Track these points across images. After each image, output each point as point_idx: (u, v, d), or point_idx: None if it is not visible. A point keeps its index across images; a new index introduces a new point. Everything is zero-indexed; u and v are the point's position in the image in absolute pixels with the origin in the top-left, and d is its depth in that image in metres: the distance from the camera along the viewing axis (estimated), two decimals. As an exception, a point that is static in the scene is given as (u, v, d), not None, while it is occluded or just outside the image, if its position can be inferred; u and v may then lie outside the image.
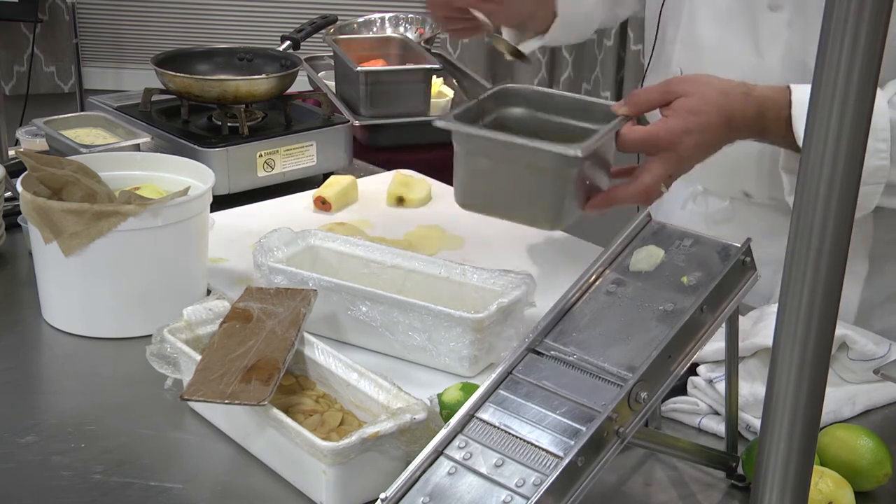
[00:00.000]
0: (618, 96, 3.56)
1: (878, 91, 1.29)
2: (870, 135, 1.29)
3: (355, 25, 3.04)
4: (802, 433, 0.77)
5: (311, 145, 1.85)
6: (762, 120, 1.28)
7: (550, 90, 1.42)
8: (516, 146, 1.21)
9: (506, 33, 1.61)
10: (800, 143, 1.25)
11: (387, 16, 3.09)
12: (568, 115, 1.36)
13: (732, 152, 1.36)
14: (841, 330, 1.19)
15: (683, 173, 1.29)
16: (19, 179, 1.36)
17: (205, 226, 1.41)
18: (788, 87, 1.31)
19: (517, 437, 0.91)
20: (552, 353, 0.97)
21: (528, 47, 1.61)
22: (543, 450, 0.89)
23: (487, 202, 1.26)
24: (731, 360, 1.05)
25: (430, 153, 2.31)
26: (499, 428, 0.92)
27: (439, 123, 1.27)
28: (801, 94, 1.30)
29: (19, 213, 1.48)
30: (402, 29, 3.04)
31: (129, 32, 5.44)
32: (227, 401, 1.07)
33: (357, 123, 2.44)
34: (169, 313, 1.24)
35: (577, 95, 1.40)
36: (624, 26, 4.85)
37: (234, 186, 1.77)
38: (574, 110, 1.36)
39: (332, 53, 2.74)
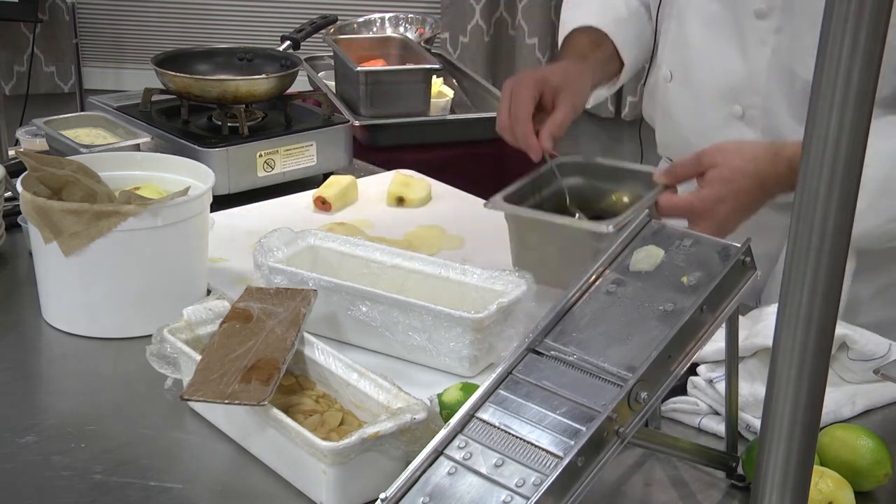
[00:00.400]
0: (618, 99, 3.58)
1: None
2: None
3: (355, 25, 3.04)
4: (802, 433, 0.77)
5: (311, 145, 1.85)
6: (795, 175, 1.31)
7: (599, 160, 1.52)
8: (555, 225, 1.37)
9: None
10: None
11: (387, 16, 3.09)
12: (617, 181, 1.49)
13: None
14: (841, 330, 1.19)
15: (716, 234, 1.34)
16: (19, 179, 1.36)
17: (205, 226, 1.41)
18: None
19: (517, 437, 0.91)
20: (552, 353, 0.97)
21: (599, 97, 1.71)
22: (543, 450, 0.89)
23: (537, 270, 1.33)
24: (731, 360, 1.05)
25: (430, 153, 2.32)
26: (499, 428, 0.92)
27: (488, 206, 1.42)
28: None
29: (19, 213, 1.48)
30: (402, 29, 3.04)
31: (129, 32, 5.43)
32: (227, 401, 1.07)
33: (357, 123, 2.44)
34: (169, 313, 1.24)
35: (623, 164, 1.53)
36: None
37: (234, 186, 1.77)
38: (623, 177, 1.49)
39: (332, 53, 2.75)
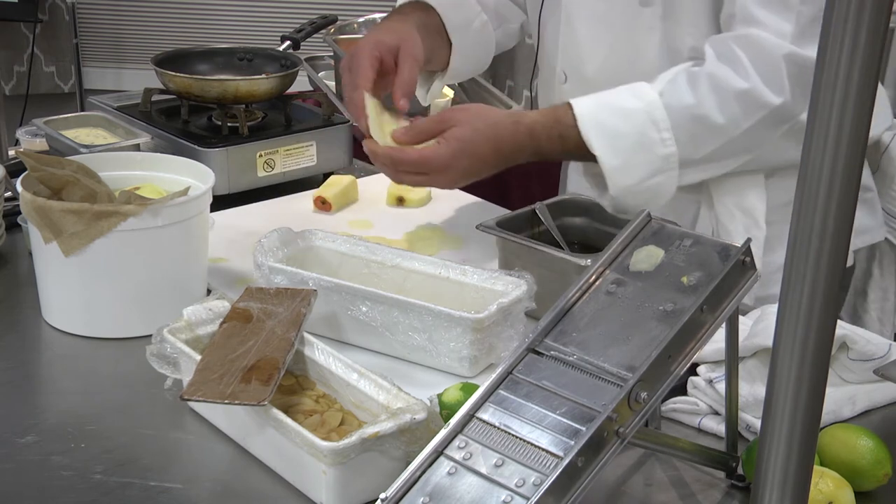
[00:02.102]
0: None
1: (646, 85, 1.42)
2: (651, 128, 1.39)
3: (355, 25, 3.03)
4: (802, 433, 0.77)
5: (311, 145, 1.85)
6: (535, 143, 1.41)
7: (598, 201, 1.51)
8: (536, 252, 1.39)
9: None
10: (594, 151, 1.39)
11: (387, 16, 3.09)
12: (618, 224, 1.47)
13: None
14: (841, 330, 1.19)
15: (445, 187, 1.46)
16: (19, 179, 1.36)
17: (205, 226, 1.41)
18: (567, 104, 1.42)
19: (517, 437, 0.91)
20: (552, 353, 0.97)
21: (433, 93, 1.71)
22: (543, 450, 0.89)
23: None
24: (731, 360, 1.05)
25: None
26: (499, 428, 0.92)
27: (480, 228, 1.44)
28: (583, 108, 1.41)
29: (19, 213, 1.48)
30: (402, 29, 3.04)
31: (129, 32, 5.43)
32: (227, 401, 1.07)
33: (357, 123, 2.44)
34: (169, 313, 1.24)
35: None
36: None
37: (234, 186, 1.77)
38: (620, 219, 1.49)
39: (332, 53, 2.74)
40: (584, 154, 1.41)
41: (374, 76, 1.47)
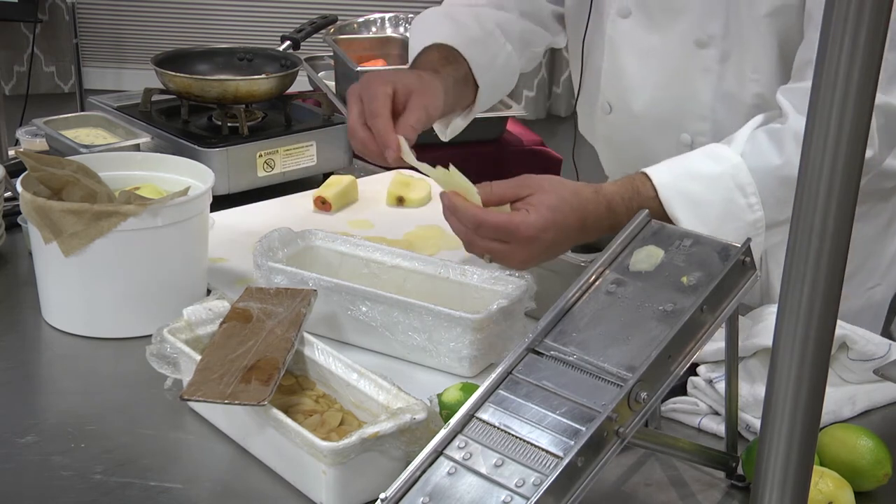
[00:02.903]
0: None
1: (727, 147, 1.33)
2: (738, 193, 1.31)
3: (355, 25, 3.04)
4: (802, 433, 0.77)
5: (311, 145, 1.85)
6: (614, 216, 1.30)
7: None
8: None
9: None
10: (678, 222, 1.29)
11: (387, 16, 3.09)
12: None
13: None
14: (841, 330, 1.19)
15: (515, 264, 1.29)
16: (19, 179, 1.36)
17: (205, 226, 1.41)
18: (641, 174, 1.33)
19: (517, 437, 0.91)
20: (552, 353, 0.97)
21: (457, 127, 1.62)
22: (543, 450, 0.89)
23: None
24: (731, 360, 1.05)
25: (429, 153, 2.31)
26: (499, 428, 0.92)
27: (443, 197, 1.35)
28: (662, 177, 1.31)
29: (19, 213, 1.48)
30: (402, 29, 3.04)
31: (129, 32, 5.44)
32: (227, 401, 1.07)
33: (357, 123, 2.44)
34: (169, 313, 1.24)
35: None
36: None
37: (234, 186, 1.77)
38: None
39: (332, 53, 2.75)
40: None
41: (390, 105, 1.36)
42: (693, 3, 1.45)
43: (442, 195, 1.28)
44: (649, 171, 1.32)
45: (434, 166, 1.29)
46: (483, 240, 1.26)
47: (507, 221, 1.25)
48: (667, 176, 1.32)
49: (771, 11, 1.39)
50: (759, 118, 1.38)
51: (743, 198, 1.31)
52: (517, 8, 1.65)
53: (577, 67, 1.66)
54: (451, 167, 1.27)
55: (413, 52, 1.58)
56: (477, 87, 1.57)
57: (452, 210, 1.27)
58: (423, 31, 1.60)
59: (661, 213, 1.29)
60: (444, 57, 1.53)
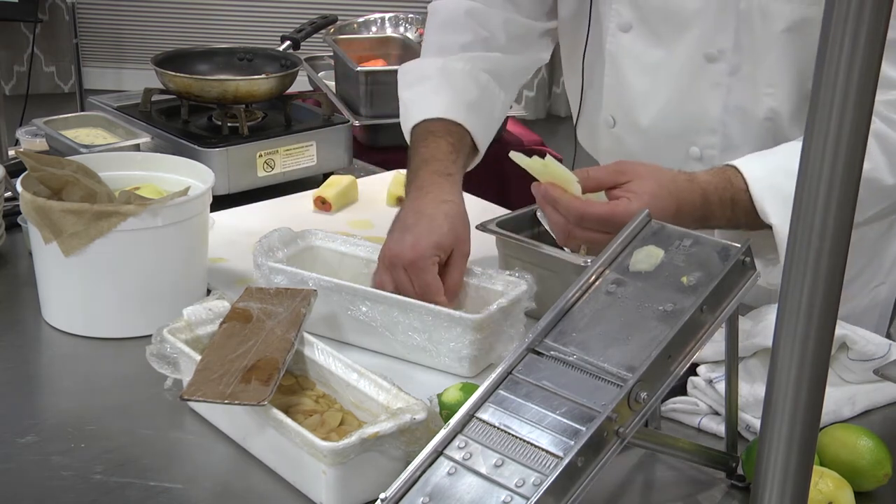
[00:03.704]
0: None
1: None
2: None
3: (355, 25, 3.04)
4: (802, 433, 0.77)
5: (311, 145, 1.85)
6: (707, 206, 1.29)
7: None
8: (535, 252, 1.37)
9: None
10: (769, 218, 1.27)
11: (387, 16, 3.09)
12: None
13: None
14: (841, 330, 1.19)
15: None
16: (19, 179, 1.36)
17: (205, 226, 1.41)
18: (731, 166, 1.31)
19: (517, 437, 0.91)
20: (552, 353, 0.97)
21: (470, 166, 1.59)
22: (543, 450, 0.89)
23: None
24: (731, 360, 1.05)
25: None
26: (499, 428, 0.92)
27: (480, 228, 1.42)
28: (754, 171, 1.30)
29: (19, 213, 1.48)
30: (402, 29, 3.04)
31: (129, 32, 5.44)
32: (227, 401, 1.07)
33: (357, 123, 2.44)
34: (169, 313, 1.24)
35: None
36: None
37: (234, 186, 1.77)
38: None
39: (332, 53, 2.75)
40: (753, 221, 1.29)
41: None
42: (700, 17, 1.43)
43: (536, 187, 1.26)
44: (739, 163, 1.31)
45: (530, 156, 1.27)
46: (585, 231, 1.24)
47: (610, 212, 1.23)
48: (759, 170, 1.30)
49: (789, 27, 1.37)
50: None
51: None
52: (505, 33, 1.60)
53: (577, 81, 1.63)
54: (549, 157, 1.27)
55: (410, 115, 1.54)
56: (477, 151, 1.56)
57: (552, 203, 1.25)
58: (420, 93, 1.56)
59: (750, 207, 1.28)
60: (452, 147, 1.48)
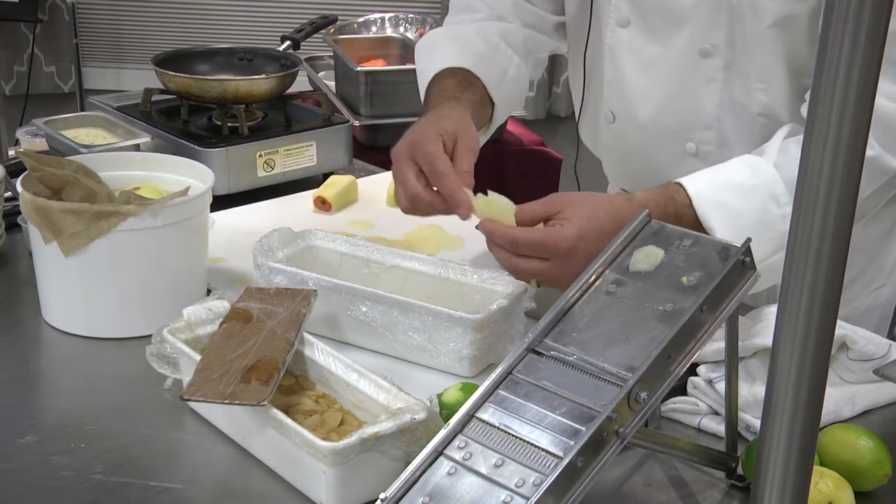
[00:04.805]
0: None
1: (760, 159, 1.33)
2: (772, 204, 1.30)
3: (355, 25, 3.04)
4: (802, 433, 0.77)
5: (311, 145, 1.85)
6: None
7: None
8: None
9: None
10: (713, 232, 1.29)
11: (387, 16, 3.09)
12: None
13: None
14: (841, 330, 1.19)
15: (563, 281, 1.21)
16: (19, 179, 1.36)
17: (205, 226, 1.41)
18: (675, 183, 1.33)
19: (517, 437, 0.91)
20: (552, 353, 0.97)
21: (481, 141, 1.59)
22: (543, 450, 0.89)
23: None
24: (731, 360, 1.05)
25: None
26: (499, 428, 0.92)
27: (479, 228, 1.36)
28: (697, 185, 1.31)
29: (19, 213, 1.48)
30: (402, 29, 3.04)
31: (129, 32, 5.44)
32: (227, 401, 1.07)
33: (357, 123, 2.44)
34: (169, 313, 1.24)
35: None
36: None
37: (234, 186, 1.77)
38: None
39: (332, 53, 2.75)
40: None
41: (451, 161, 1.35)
42: (695, 12, 1.44)
43: (479, 226, 1.29)
44: (683, 181, 1.33)
45: (475, 194, 1.31)
46: (524, 260, 1.27)
47: (542, 236, 1.26)
48: (702, 185, 1.32)
49: (775, 22, 1.38)
50: (786, 128, 1.38)
51: (777, 208, 1.31)
52: (518, 19, 1.64)
53: (579, 77, 1.65)
54: (490, 192, 1.29)
55: (423, 78, 1.58)
56: (493, 103, 1.58)
57: (489, 236, 1.28)
58: (430, 56, 1.60)
59: (694, 221, 1.30)
60: (459, 83, 1.53)
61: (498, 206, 1.29)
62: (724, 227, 1.29)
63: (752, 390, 1.16)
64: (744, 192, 1.32)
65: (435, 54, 1.59)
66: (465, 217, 1.33)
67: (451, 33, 1.63)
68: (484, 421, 0.93)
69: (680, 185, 1.32)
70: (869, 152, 1.30)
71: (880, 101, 1.29)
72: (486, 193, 1.31)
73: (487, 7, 1.65)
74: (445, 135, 1.37)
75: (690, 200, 1.31)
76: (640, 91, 1.53)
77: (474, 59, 1.56)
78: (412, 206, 1.38)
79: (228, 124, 1.82)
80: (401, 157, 1.37)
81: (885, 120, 1.31)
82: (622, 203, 1.30)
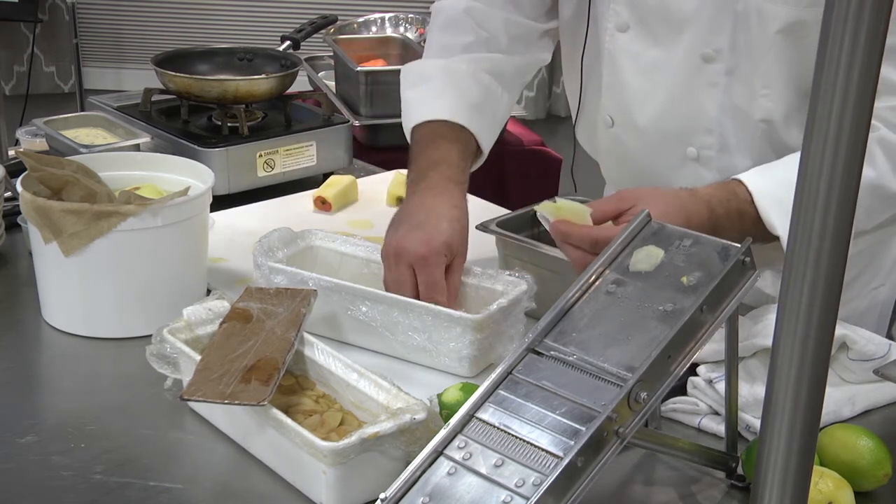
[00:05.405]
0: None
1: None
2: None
3: (355, 25, 3.04)
4: (802, 433, 0.77)
5: (311, 145, 1.85)
6: (715, 218, 1.28)
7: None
8: (535, 252, 1.38)
9: None
10: (776, 230, 1.27)
11: (387, 16, 3.09)
12: None
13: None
14: (841, 330, 1.19)
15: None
16: (19, 179, 1.36)
17: (205, 226, 1.41)
18: (735, 180, 1.32)
19: (517, 437, 0.91)
20: (552, 353, 0.97)
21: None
22: (543, 450, 0.89)
23: None
24: (731, 360, 1.05)
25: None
26: (498, 428, 0.92)
27: (480, 228, 1.42)
28: (758, 183, 1.30)
29: (19, 213, 1.48)
30: (402, 29, 3.04)
31: (129, 32, 5.44)
32: (227, 401, 1.07)
33: (357, 123, 2.44)
34: (169, 313, 1.24)
35: None
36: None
37: (234, 186, 1.77)
38: None
39: (332, 53, 2.75)
40: (762, 233, 1.28)
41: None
42: (696, 17, 1.43)
43: (552, 227, 1.28)
44: (742, 177, 1.32)
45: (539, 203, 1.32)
46: None
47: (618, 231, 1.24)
48: (761, 183, 1.31)
49: (783, 28, 1.37)
50: None
51: None
52: (506, 34, 1.60)
53: (576, 81, 1.63)
54: (558, 198, 1.29)
55: (412, 114, 1.54)
56: (480, 151, 1.56)
57: (565, 237, 1.26)
58: (421, 91, 1.56)
59: (755, 218, 1.29)
60: (461, 152, 1.49)
61: (570, 209, 1.28)
62: (785, 225, 1.23)
63: (752, 390, 1.16)
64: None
65: (429, 94, 1.55)
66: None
67: (447, 72, 1.57)
68: (484, 421, 0.93)
69: (740, 181, 1.31)
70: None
71: None
72: (554, 200, 1.30)
73: (475, 27, 1.60)
74: (450, 253, 1.35)
75: (752, 197, 1.30)
76: (640, 95, 1.52)
77: (470, 111, 1.52)
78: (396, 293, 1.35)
79: (228, 124, 1.82)
80: (401, 262, 1.33)
81: None
82: (688, 197, 1.29)
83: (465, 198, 1.44)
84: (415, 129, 1.52)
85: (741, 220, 1.29)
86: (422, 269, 1.32)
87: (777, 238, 1.28)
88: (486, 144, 1.55)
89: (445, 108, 1.52)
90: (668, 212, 1.25)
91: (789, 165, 1.32)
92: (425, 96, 1.55)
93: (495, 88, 1.59)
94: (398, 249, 1.33)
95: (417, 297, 1.31)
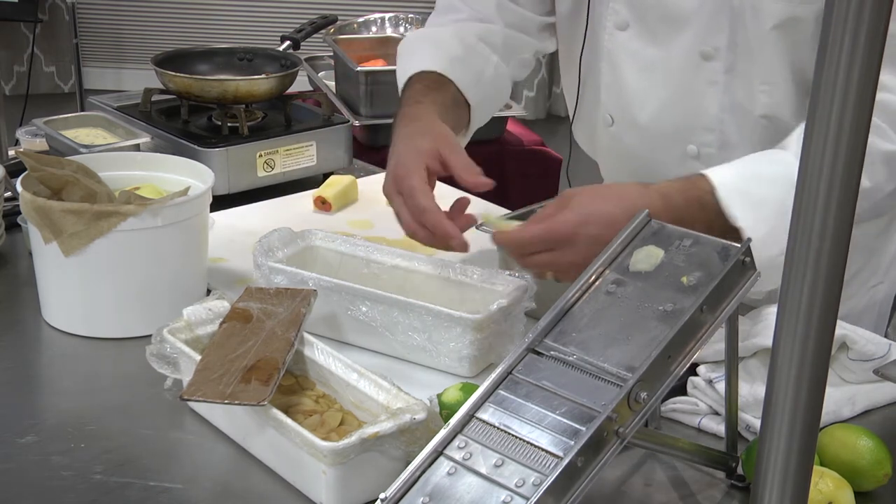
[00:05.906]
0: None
1: (783, 151, 1.30)
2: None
3: (355, 25, 3.04)
4: (802, 433, 0.77)
5: (311, 145, 1.85)
6: (673, 208, 1.25)
7: None
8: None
9: None
10: (736, 221, 1.25)
11: (387, 16, 3.09)
12: None
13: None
14: (841, 330, 1.19)
15: (573, 269, 1.17)
16: (19, 179, 1.36)
17: (205, 226, 1.41)
18: (698, 173, 1.31)
19: (517, 437, 0.91)
20: (552, 353, 0.97)
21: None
22: (543, 450, 0.89)
23: None
24: (731, 360, 1.05)
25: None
26: (499, 428, 0.92)
27: (480, 228, 1.39)
28: (721, 175, 1.29)
29: (19, 213, 1.48)
30: (402, 29, 3.04)
31: (129, 32, 5.44)
32: (227, 401, 1.07)
33: (357, 123, 2.44)
34: (169, 313, 1.24)
35: None
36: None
37: (234, 186, 1.77)
38: None
39: (332, 53, 2.75)
40: (724, 226, 1.25)
41: (432, 192, 1.34)
42: (696, 15, 1.43)
43: (493, 237, 1.30)
44: (706, 171, 1.31)
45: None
46: (534, 257, 1.25)
47: (542, 227, 1.24)
48: (723, 173, 1.30)
49: (778, 24, 1.37)
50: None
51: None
52: (501, 19, 1.62)
53: (573, 80, 1.63)
54: (486, 213, 1.35)
55: (399, 82, 1.57)
56: (468, 104, 1.56)
57: (502, 245, 1.29)
58: (405, 61, 1.59)
59: (716, 209, 1.27)
60: (425, 87, 1.51)
61: (498, 223, 1.32)
62: (746, 216, 1.26)
63: (752, 390, 1.16)
64: (767, 182, 1.28)
65: (410, 58, 1.58)
66: (460, 250, 1.32)
67: (428, 36, 1.61)
68: (484, 421, 0.93)
69: (703, 174, 1.30)
70: (890, 147, 1.30)
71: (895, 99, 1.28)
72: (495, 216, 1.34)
73: (469, 8, 1.64)
74: (425, 155, 1.35)
75: (714, 188, 1.28)
76: (640, 94, 1.52)
77: (447, 61, 1.54)
78: (413, 238, 1.36)
79: (228, 124, 1.82)
80: (391, 194, 1.37)
81: None
82: (635, 190, 1.27)
83: (426, 109, 1.44)
84: (401, 94, 1.55)
85: (703, 211, 1.26)
86: (404, 192, 1.34)
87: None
88: (472, 94, 1.55)
89: (421, 63, 1.54)
90: (600, 202, 1.25)
91: (754, 159, 1.33)
92: (407, 62, 1.58)
93: (482, 49, 1.60)
94: (385, 191, 1.38)
95: (418, 226, 1.33)
